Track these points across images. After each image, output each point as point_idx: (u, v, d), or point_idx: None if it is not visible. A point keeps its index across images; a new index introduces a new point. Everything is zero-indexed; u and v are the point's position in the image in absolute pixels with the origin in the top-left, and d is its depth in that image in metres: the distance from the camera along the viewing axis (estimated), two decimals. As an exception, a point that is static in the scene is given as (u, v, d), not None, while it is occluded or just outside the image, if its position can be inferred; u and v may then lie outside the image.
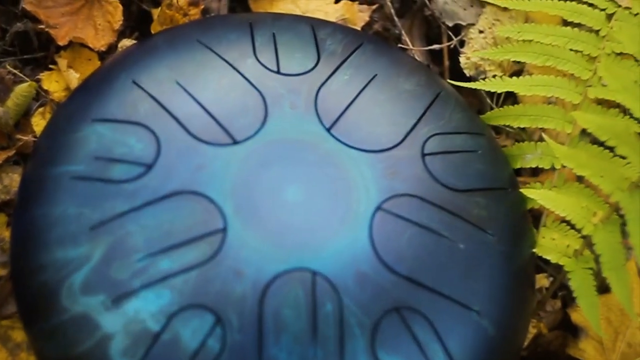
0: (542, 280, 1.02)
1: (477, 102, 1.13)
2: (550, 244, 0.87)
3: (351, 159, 0.83)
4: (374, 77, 0.88)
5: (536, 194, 0.84)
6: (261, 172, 0.80)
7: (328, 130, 0.83)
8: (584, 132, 0.85)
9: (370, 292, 0.77)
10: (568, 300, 1.00)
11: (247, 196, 0.79)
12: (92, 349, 0.73)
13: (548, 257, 0.85)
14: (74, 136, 0.81)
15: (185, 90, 0.83)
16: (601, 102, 0.93)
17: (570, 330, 1.00)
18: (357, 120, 0.86)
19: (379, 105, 0.86)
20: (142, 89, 0.83)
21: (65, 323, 0.74)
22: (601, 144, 0.81)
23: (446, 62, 1.13)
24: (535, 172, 1.04)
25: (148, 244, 0.75)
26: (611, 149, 0.79)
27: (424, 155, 0.85)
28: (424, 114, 0.88)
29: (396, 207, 0.81)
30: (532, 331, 0.97)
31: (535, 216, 0.94)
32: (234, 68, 0.85)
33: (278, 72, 0.86)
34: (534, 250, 0.87)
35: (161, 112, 0.82)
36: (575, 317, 0.99)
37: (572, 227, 0.86)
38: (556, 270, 0.89)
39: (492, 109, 1.09)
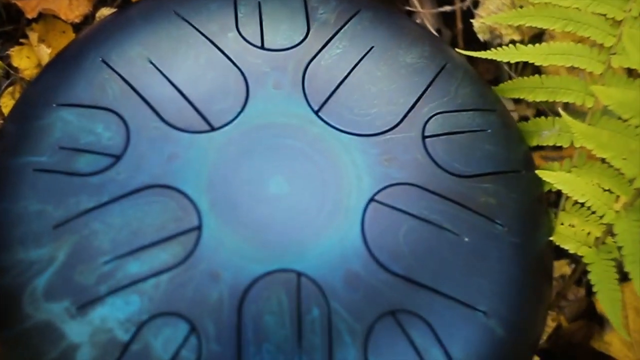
0: (564, 267, 0.97)
1: (494, 69, 1.06)
2: (569, 232, 0.82)
3: (342, 144, 0.79)
4: (370, 49, 0.83)
5: (552, 177, 0.79)
6: (240, 162, 0.76)
7: (316, 112, 0.79)
8: (608, 105, 0.79)
9: (362, 295, 0.73)
10: (593, 287, 0.94)
11: (225, 190, 0.74)
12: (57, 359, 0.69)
13: (566, 247, 0.80)
14: (38, 123, 0.77)
15: (159, 70, 0.79)
16: (631, 71, 0.86)
17: (596, 320, 0.94)
18: (349, 100, 0.81)
19: (375, 82, 0.81)
20: (112, 68, 0.79)
21: (29, 331, 0.71)
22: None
23: (459, 25, 1.06)
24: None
25: (115, 245, 0.72)
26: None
27: (424, 137, 0.80)
28: (426, 90, 0.83)
29: (392, 198, 0.77)
30: (551, 324, 0.92)
31: (558, 194, 0.88)
32: (213, 44, 0.80)
33: (262, 47, 0.81)
34: (551, 238, 0.82)
35: (132, 95, 0.77)
36: (601, 306, 0.93)
37: (594, 212, 0.79)
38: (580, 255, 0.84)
39: (510, 77, 1.03)
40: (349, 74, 0.82)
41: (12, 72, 0.95)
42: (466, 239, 0.76)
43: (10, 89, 0.95)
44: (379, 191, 0.77)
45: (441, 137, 0.82)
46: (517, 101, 1.04)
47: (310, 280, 0.73)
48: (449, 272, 0.76)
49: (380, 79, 0.82)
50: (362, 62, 0.82)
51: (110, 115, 0.76)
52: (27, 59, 0.96)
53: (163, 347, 0.69)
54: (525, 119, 0.91)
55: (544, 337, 0.91)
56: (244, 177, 0.75)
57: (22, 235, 0.72)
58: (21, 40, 0.97)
